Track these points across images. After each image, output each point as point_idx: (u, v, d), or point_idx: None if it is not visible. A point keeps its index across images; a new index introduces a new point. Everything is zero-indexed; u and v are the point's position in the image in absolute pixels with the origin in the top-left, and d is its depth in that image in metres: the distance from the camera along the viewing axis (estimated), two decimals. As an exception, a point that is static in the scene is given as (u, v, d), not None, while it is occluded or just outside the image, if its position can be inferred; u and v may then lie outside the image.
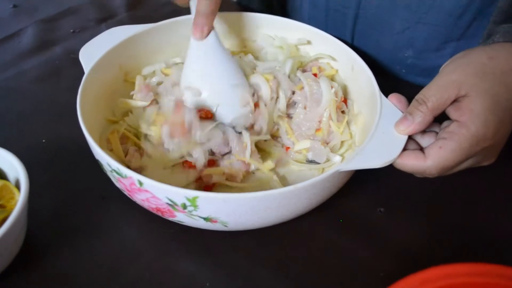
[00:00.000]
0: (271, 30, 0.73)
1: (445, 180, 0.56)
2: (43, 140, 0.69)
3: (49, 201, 0.61)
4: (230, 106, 0.62)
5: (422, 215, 0.61)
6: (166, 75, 0.69)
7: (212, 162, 0.61)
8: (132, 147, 0.62)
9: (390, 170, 0.54)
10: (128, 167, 0.58)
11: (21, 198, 0.50)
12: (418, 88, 0.56)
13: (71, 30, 0.91)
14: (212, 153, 0.61)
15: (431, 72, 0.67)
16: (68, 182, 0.63)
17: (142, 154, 0.61)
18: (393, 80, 0.80)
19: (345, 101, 0.67)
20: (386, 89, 0.60)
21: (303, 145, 0.64)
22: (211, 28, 0.61)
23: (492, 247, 0.58)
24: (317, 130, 0.64)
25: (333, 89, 0.65)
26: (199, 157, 0.59)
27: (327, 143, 0.65)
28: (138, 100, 0.65)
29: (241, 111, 0.62)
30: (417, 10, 0.72)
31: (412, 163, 0.53)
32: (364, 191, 0.63)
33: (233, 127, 0.62)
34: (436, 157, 0.52)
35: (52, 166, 0.65)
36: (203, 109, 0.61)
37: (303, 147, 0.64)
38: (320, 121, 0.64)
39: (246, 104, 0.62)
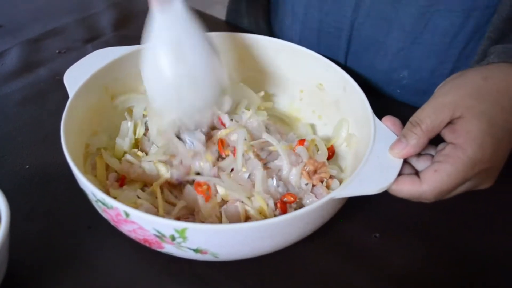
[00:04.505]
0: (261, 50, 0.72)
1: (441, 203, 0.55)
2: (27, 166, 0.67)
3: (33, 231, 0.59)
4: (206, 88, 0.57)
5: (418, 239, 0.60)
6: None
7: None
8: (113, 173, 0.60)
9: (384, 193, 0.52)
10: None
11: (2, 229, 0.48)
12: (412, 109, 0.55)
13: (57, 51, 0.89)
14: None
15: (427, 92, 0.66)
16: (53, 211, 0.61)
17: (122, 183, 0.59)
18: (386, 101, 0.79)
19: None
20: (379, 110, 0.59)
21: None
22: None
23: (492, 271, 0.57)
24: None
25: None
26: None
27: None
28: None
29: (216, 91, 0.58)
30: (412, 30, 0.71)
31: (408, 188, 0.52)
32: (358, 216, 0.61)
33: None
34: (431, 181, 0.51)
35: (35, 193, 0.63)
36: None
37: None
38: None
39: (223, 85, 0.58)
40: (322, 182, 0.60)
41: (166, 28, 0.54)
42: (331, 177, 0.61)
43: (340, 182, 0.61)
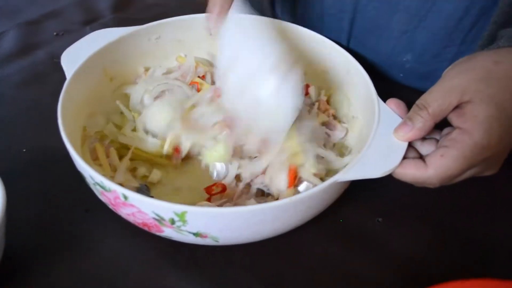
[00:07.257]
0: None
1: (445, 189, 0.54)
2: (24, 150, 0.66)
3: (30, 215, 0.58)
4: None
5: (422, 224, 0.59)
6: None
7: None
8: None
9: (387, 177, 0.51)
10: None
11: (-2, 213, 0.48)
12: (417, 92, 0.54)
13: (55, 33, 0.88)
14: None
15: (430, 76, 0.66)
16: (50, 195, 0.60)
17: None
18: (390, 84, 0.78)
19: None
20: (383, 93, 0.58)
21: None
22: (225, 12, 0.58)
23: (496, 256, 0.57)
24: None
25: None
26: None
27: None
28: None
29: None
30: (416, 14, 0.70)
31: (413, 172, 0.51)
32: (361, 200, 0.61)
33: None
34: (437, 166, 0.50)
35: (33, 177, 0.62)
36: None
37: None
38: None
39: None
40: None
41: (223, 43, 0.58)
42: (334, 117, 0.66)
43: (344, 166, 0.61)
